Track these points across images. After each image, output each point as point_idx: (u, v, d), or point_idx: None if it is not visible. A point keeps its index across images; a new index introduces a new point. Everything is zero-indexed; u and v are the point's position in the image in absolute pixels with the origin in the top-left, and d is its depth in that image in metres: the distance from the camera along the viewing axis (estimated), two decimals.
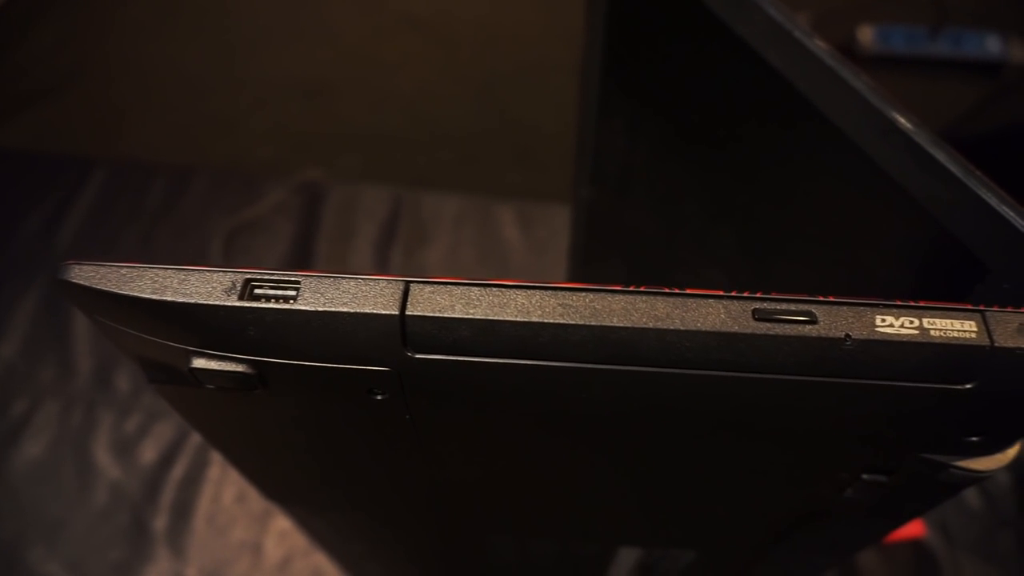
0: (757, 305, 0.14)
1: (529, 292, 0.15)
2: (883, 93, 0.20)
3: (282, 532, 0.47)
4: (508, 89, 0.94)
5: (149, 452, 0.50)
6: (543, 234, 0.64)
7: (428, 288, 0.15)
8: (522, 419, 0.18)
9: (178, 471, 0.50)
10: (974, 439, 0.15)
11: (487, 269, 0.62)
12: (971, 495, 0.49)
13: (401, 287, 0.15)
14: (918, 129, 0.19)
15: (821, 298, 0.15)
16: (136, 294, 0.14)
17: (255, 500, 0.48)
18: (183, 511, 0.48)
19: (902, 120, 0.19)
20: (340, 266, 0.61)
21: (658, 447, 0.18)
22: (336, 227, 0.64)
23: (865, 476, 0.17)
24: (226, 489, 0.49)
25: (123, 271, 0.14)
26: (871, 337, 0.14)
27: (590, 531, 0.23)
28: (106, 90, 0.84)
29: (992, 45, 1.19)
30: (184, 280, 0.14)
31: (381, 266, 0.62)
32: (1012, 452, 0.16)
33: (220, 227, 0.63)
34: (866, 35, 1.25)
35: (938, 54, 1.24)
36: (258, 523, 0.48)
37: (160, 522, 0.47)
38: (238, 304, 0.14)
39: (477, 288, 0.15)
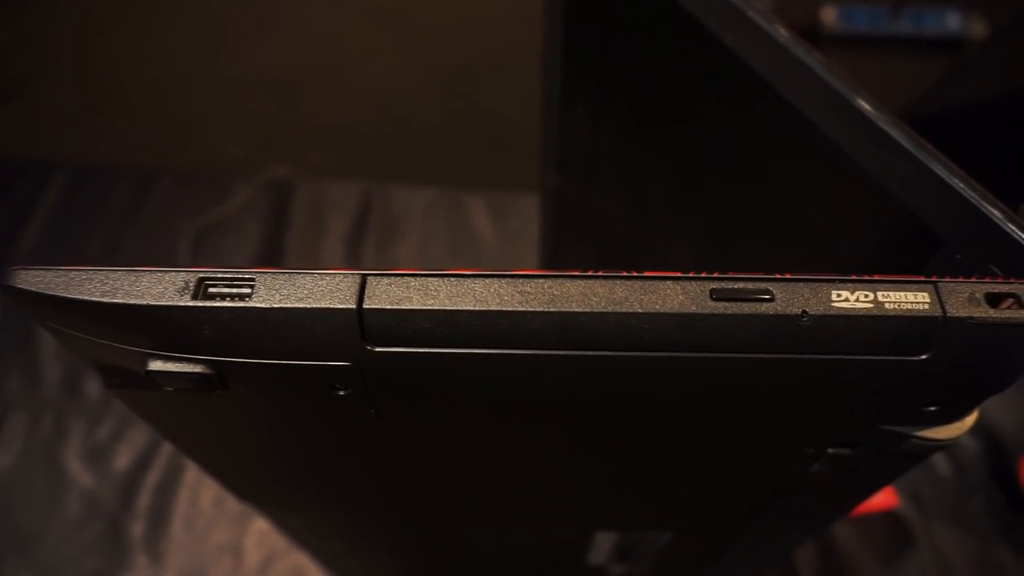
0: (715, 285, 0.14)
1: (487, 281, 0.15)
2: (836, 70, 0.20)
3: (262, 533, 0.47)
4: (476, 79, 0.94)
5: (122, 459, 0.49)
6: (515, 224, 0.64)
7: (385, 280, 0.15)
8: (488, 408, 0.18)
9: (153, 476, 0.49)
10: (932, 409, 0.16)
11: (459, 260, 0.62)
12: (941, 463, 0.49)
13: (358, 280, 0.15)
14: (870, 105, 0.19)
15: (778, 276, 0.15)
16: (86, 298, 0.14)
17: (233, 502, 0.48)
18: (160, 517, 0.48)
19: (855, 96, 0.19)
20: (311, 263, 0.60)
21: (624, 431, 0.18)
22: (306, 224, 0.63)
23: (830, 450, 0.17)
24: (203, 492, 0.49)
25: (72, 275, 0.14)
26: (827, 312, 0.14)
27: (564, 518, 0.23)
28: (66, 91, 0.83)
29: (952, 22, 1.21)
30: (135, 282, 0.14)
31: (353, 261, 0.61)
32: (970, 420, 0.16)
33: (187, 228, 0.62)
34: (829, 15, 1.26)
35: (900, 32, 1.26)
36: (237, 525, 0.47)
37: (137, 529, 0.47)
38: (191, 304, 0.14)
39: (435, 279, 0.15)
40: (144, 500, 0.48)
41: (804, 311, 0.14)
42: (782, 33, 0.21)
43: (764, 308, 0.14)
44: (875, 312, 0.14)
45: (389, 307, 0.15)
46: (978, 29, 1.21)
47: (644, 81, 0.28)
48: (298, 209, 0.64)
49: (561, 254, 0.44)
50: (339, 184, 0.66)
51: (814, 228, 0.23)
